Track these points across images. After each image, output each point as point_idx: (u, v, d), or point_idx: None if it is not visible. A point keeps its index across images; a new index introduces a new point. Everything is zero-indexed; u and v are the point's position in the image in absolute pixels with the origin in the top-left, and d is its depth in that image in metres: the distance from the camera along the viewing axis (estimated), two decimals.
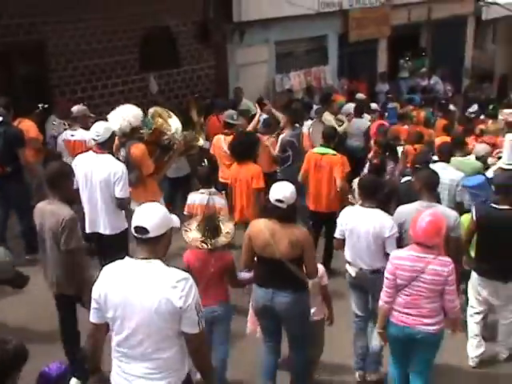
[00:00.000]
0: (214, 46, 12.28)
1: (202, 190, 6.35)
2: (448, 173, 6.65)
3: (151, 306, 3.24)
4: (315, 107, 11.03)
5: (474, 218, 5.56)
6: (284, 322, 4.83)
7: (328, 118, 10.08)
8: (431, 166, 6.67)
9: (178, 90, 11.94)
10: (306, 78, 14.13)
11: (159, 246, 3.38)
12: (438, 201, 5.83)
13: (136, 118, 6.61)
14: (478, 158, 7.88)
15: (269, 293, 4.69)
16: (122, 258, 3.43)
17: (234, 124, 8.23)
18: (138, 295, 3.27)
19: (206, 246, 4.71)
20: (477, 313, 5.83)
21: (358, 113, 10.51)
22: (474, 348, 5.81)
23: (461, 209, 6.33)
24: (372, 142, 9.53)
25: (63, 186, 4.81)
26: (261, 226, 4.69)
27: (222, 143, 8.04)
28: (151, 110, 7.14)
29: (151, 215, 3.35)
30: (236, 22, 12.26)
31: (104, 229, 5.99)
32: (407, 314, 4.53)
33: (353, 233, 5.24)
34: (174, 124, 7.05)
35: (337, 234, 5.42)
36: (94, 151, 6.02)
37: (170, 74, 11.79)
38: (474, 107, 14.00)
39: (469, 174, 6.90)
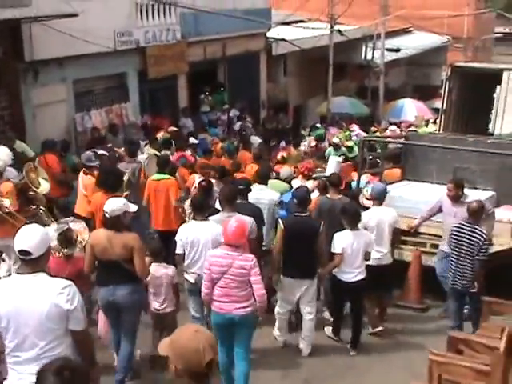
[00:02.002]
0: (6, 87, 11.57)
1: (60, 220, 6.91)
2: (265, 193, 7.75)
3: (42, 311, 3.78)
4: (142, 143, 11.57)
5: (282, 227, 6.55)
6: (123, 311, 5.68)
7: (151, 152, 10.48)
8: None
9: None
10: (108, 115, 13.80)
11: (42, 262, 3.93)
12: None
13: (9, 157, 7.23)
14: (283, 180, 9.12)
15: (110, 289, 5.61)
16: None
17: (93, 166, 9.03)
18: (29, 304, 3.78)
19: (58, 254, 5.96)
20: (285, 312, 6.86)
21: (165, 147, 11.01)
22: (281, 336, 7.00)
23: (277, 224, 7.14)
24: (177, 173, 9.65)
25: None
26: (100, 235, 5.68)
27: (80, 181, 8.90)
28: (29, 165, 7.56)
29: (32, 238, 3.85)
30: (28, 61, 11.69)
31: None
32: (224, 302, 5.53)
33: (194, 243, 6.12)
34: (44, 185, 7.49)
35: (178, 250, 6.22)
36: None
37: None
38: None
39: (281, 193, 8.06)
